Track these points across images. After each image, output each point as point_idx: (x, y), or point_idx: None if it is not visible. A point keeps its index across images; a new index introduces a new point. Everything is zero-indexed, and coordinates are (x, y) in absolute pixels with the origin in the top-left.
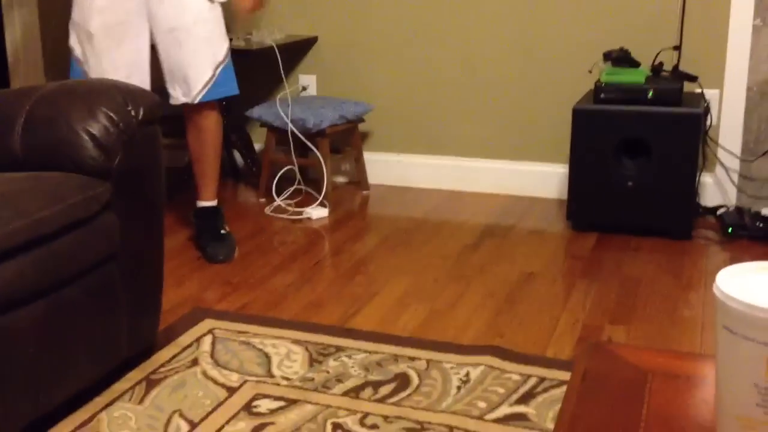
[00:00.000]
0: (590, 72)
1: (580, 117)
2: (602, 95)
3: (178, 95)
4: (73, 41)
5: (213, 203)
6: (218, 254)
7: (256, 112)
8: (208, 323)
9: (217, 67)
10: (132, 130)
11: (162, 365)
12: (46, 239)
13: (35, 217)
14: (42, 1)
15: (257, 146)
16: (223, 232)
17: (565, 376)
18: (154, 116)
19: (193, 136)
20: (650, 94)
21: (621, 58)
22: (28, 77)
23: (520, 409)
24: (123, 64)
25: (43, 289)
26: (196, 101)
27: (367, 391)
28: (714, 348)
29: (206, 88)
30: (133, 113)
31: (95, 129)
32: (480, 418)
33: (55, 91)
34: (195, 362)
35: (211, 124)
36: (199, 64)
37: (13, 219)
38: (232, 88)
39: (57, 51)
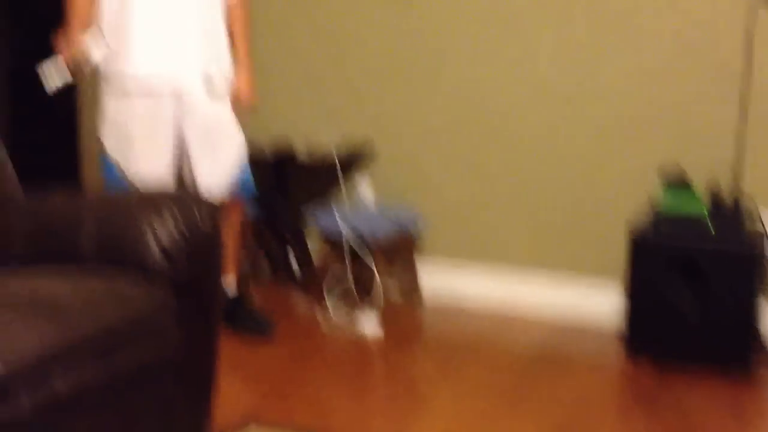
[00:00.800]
0: (649, 197)
1: (637, 244)
2: (661, 226)
3: (206, 191)
4: (109, 141)
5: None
6: (261, 330)
7: (314, 218)
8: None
9: (240, 164)
10: (196, 237)
11: None
12: (113, 344)
13: (105, 323)
14: None
15: (312, 254)
16: (253, 309)
17: None
18: (217, 224)
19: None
20: (712, 231)
21: (677, 181)
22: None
23: None
24: (158, 166)
25: (105, 392)
26: (226, 197)
27: None
28: None
29: (232, 184)
30: (200, 221)
31: (163, 236)
32: None
33: (128, 196)
34: None
35: (238, 216)
36: (227, 161)
37: (86, 324)
38: (252, 185)
39: None
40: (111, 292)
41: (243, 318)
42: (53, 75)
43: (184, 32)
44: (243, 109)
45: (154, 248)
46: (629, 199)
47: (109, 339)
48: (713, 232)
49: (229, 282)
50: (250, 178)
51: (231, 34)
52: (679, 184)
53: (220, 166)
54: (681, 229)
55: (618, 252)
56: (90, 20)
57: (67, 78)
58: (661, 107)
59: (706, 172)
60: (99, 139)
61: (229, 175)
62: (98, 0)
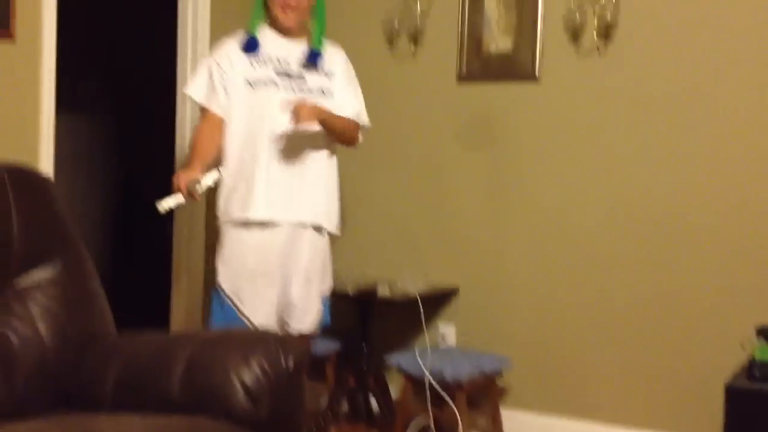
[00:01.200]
0: (743, 348)
1: (734, 396)
2: (757, 373)
3: (292, 325)
4: (224, 279)
5: None
6: None
7: (395, 359)
8: None
9: (323, 299)
10: (282, 379)
11: None
12: None
13: None
14: None
15: (393, 394)
16: None
17: None
18: (303, 364)
19: None
20: None
21: None
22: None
23: None
24: (272, 303)
25: None
26: (310, 331)
27: None
28: None
29: (317, 318)
30: (284, 362)
31: (247, 378)
32: None
33: (215, 337)
34: None
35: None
36: (314, 296)
37: None
38: (328, 318)
39: None
40: None
41: None
42: (168, 201)
43: (307, 184)
44: (300, 118)
45: (239, 389)
46: (727, 354)
47: None
48: None
49: None
50: (328, 311)
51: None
52: None
53: (313, 301)
54: None
55: (714, 410)
56: (212, 164)
57: (180, 200)
58: (758, 255)
59: None
60: (215, 275)
61: (319, 311)
62: (225, 145)
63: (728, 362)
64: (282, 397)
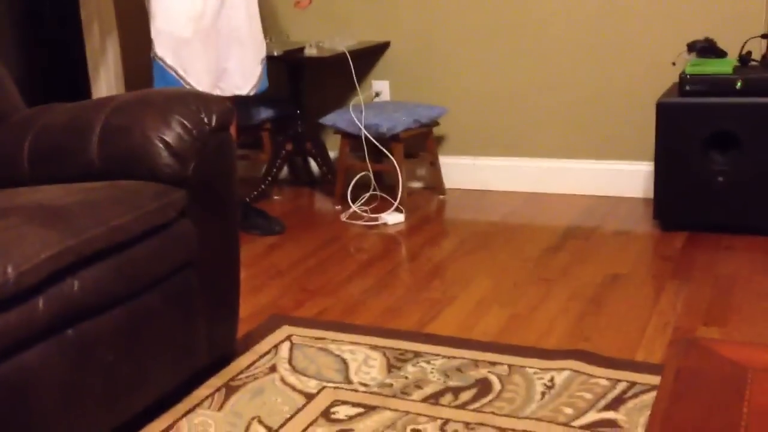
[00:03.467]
0: (674, 64)
1: (665, 111)
2: (688, 87)
3: (230, 89)
4: (163, 50)
5: None
6: (273, 228)
7: (330, 119)
8: (285, 330)
9: (262, 63)
10: (205, 137)
11: (241, 372)
12: (123, 246)
13: (112, 224)
14: (121, 13)
15: (332, 153)
16: (261, 210)
17: (657, 380)
18: (227, 123)
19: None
20: (739, 84)
21: (706, 49)
22: (109, 86)
23: (610, 415)
24: (214, 67)
25: (121, 296)
26: (251, 94)
27: (447, 397)
28: None
29: (258, 82)
30: (206, 120)
31: (169, 137)
32: (566, 424)
33: (130, 100)
34: (273, 369)
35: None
36: (253, 59)
37: (90, 227)
38: (266, 83)
39: (136, 60)
40: (119, 197)
41: (253, 219)
42: None
43: None
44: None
45: (162, 149)
46: (660, 80)
47: (118, 239)
48: (739, 85)
49: None
50: (266, 74)
51: None
52: (707, 53)
53: (249, 62)
54: (707, 89)
55: (651, 133)
56: None
57: None
58: None
59: (737, 45)
60: (152, 47)
61: (257, 72)
62: None
63: (662, 84)
64: (209, 156)
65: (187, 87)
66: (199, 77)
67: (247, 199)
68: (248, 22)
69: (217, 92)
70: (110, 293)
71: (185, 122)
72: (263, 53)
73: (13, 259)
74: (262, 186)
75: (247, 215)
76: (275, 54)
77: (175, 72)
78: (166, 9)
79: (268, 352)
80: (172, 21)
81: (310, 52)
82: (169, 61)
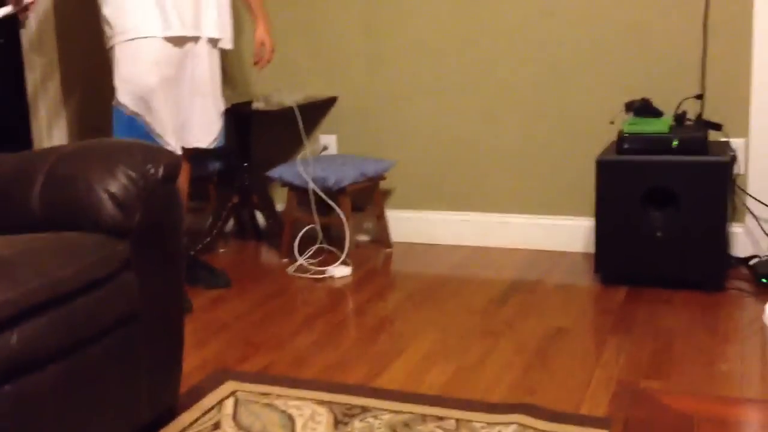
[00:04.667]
0: (612, 123)
1: (604, 168)
2: (626, 145)
3: (191, 141)
4: (126, 98)
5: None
6: (218, 282)
7: (277, 171)
8: (230, 385)
9: (222, 116)
10: (151, 188)
11: (184, 429)
12: (64, 299)
13: (53, 276)
14: (61, 44)
15: (279, 206)
16: (207, 263)
17: None
18: (174, 174)
19: (184, 178)
20: (675, 143)
21: (643, 108)
22: (49, 122)
23: None
24: (176, 117)
25: (63, 349)
26: (212, 146)
27: None
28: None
29: (219, 135)
30: (152, 171)
31: (114, 187)
32: None
33: (75, 150)
34: (217, 426)
35: (184, 172)
36: (215, 112)
37: (30, 278)
38: (223, 137)
39: (78, 95)
40: (61, 248)
41: (198, 272)
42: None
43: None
44: (267, 59)
45: (106, 200)
46: (599, 138)
47: (59, 292)
48: (675, 144)
49: None
50: (223, 129)
51: None
52: (644, 112)
53: (210, 114)
54: (644, 147)
55: (591, 189)
56: None
57: (8, 11)
58: (624, 32)
59: (673, 105)
60: (115, 94)
61: (219, 125)
62: None
63: (602, 142)
64: (154, 207)
65: (152, 134)
66: (164, 125)
67: (192, 252)
68: (210, 75)
69: (177, 143)
70: (50, 347)
71: (131, 173)
72: (222, 107)
73: None
74: (208, 238)
75: (192, 268)
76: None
77: (141, 118)
78: (132, 56)
79: (212, 408)
80: (137, 67)
81: (258, 105)
82: (132, 107)
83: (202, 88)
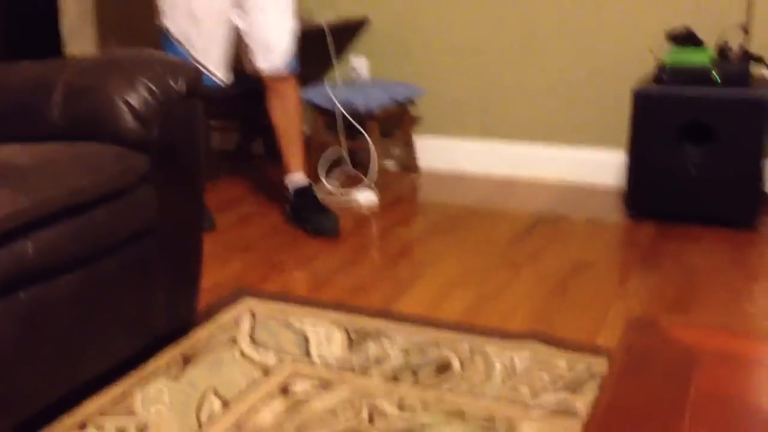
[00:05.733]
0: (651, 52)
1: (640, 100)
2: (664, 77)
3: (264, 66)
4: (170, 22)
5: (305, 179)
6: (324, 227)
7: (306, 93)
8: (248, 303)
9: (290, 32)
10: (171, 102)
11: (199, 343)
12: (82, 209)
13: (70, 186)
14: None
15: (306, 129)
16: (323, 204)
17: None
18: (194, 89)
19: (279, 107)
20: (715, 76)
21: (684, 38)
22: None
23: (566, 397)
24: (220, 42)
25: (79, 260)
26: (287, 70)
27: (406, 375)
28: None
29: (285, 54)
30: (173, 85)
31: (134, 100)
32: (524, 404)
33: (96, 61)
34: (233, 341)
35: (297, 92)
36: (284, 33)
37: (49, 188)
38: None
39: (112, 22)
40: (79, 159)
41: (304, 211)
42: None
43: None
44: None
45: (126, 112)
46: (637, 67)
47: (76, 201)
48: (718, 81)
49: (298, 164)
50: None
51: None
52: (686, 42)
53: (274, 34)
54: (684, 79)
55: (625, 121)
56: None
57: None
58: None
59: (715, 34)
60: (161, 20)
61: (287, 47)
62: None
63: (639, 71)
64: (175, 122)
65: (195, 63)
66: (208, 55)
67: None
68: None
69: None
70: (66, 257)
71: (151, 86)
72: (290, 21)
73: None
74: (235, 158)
75: (299, 207)
76: None
77: (181, 45)
78: None
79: (228, 324)
80: None
81: None
82: (176, 34)
83: (260, 2)
